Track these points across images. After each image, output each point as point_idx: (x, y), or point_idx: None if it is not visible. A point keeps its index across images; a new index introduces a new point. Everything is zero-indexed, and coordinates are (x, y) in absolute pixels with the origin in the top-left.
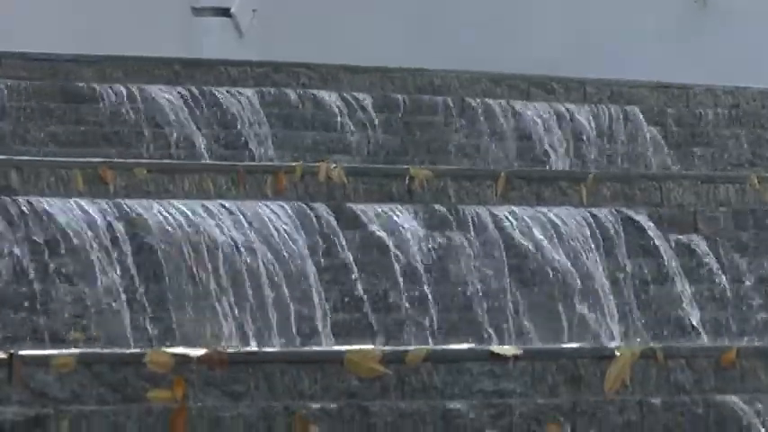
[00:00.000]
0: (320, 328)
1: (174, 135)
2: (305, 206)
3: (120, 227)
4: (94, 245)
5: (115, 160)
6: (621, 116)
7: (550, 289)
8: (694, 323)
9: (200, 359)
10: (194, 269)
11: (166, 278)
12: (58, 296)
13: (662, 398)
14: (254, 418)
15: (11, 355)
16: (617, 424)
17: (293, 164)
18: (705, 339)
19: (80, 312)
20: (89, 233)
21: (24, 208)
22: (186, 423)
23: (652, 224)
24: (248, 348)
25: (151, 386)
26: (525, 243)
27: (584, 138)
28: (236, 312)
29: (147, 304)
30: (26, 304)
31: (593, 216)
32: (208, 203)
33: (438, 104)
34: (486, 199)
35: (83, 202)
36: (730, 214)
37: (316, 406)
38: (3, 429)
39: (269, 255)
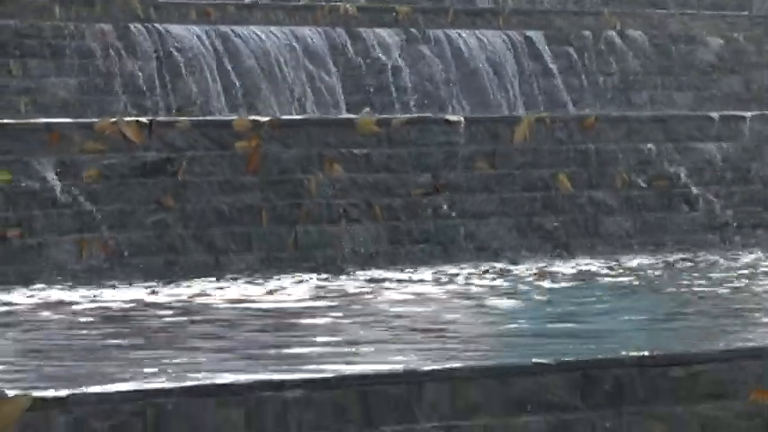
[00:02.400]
0: (342, 103)
1: None
2: (331, 30)
3: (219, 44)
4: (203, 56)
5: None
6: None
7: (481, 81)
8: (569, 103)
9: (266, 123)
10: (266, 71)
11: (250, 75)
12: (178, 87)
13: (548, 146)
14: (299, 159)
15: (151, 120)
16: (521, 162)
17: (323, 3)
18: (574, 111)
19: (194, 99)
20: (201, 48)
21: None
22: (258, 160)
23: (542, 40)
24: (294, 117)
25: (237, 139)
26: (466, 52)
27: None
28: (291, 94)
29: (239, 94)
30: (158, 90)
31: (507, 35)
32: (273, 28)
33: None
34: (443, 25)
35: (196, 28)
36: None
37: (337, 152)
38: (146, 165)
39: (308, 62)
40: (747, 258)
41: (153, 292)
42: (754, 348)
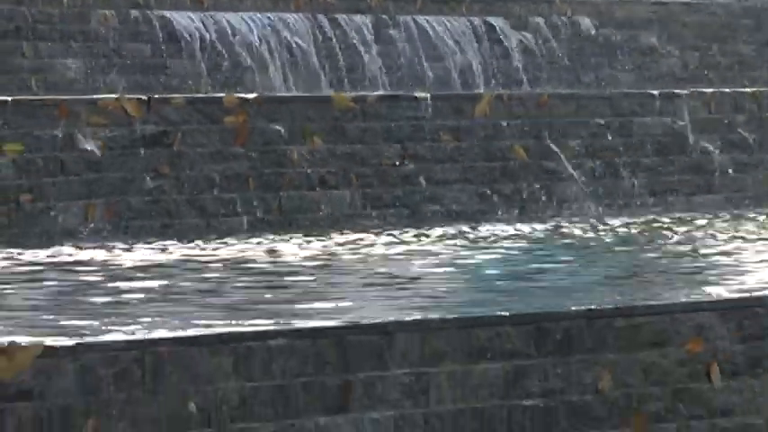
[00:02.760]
0: (322, 82)
1: None
2: (311, 16)
3: (212, 29)
4: (196, 40)
5: None
6: None
7: (447, 62)
8: (525, 82)
9: (253, 100)
10: (254, 51)
11: (239, 57)
12: (174, 68)
13: (507, 120)
14: (283, 132)
15: (149, 97)
16: (482, 135)
17: None
18: (528, 88)
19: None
20: (195, 33)
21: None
22: (246, 133)
23: (502, 26)
24: (277, 94)
25: (226, 114)
26: (432, 35)
27: None
28: (276, 73)
29: (229, 74)
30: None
31: (470, 21)
32: (259, 15)
33: None
34: (412, 11)
35: (191, 14)
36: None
37: (317, 125)
38: (145, 137)
39: (292, 45)
40: (687, 226)
41: (154, 251)
42: (689, 303)
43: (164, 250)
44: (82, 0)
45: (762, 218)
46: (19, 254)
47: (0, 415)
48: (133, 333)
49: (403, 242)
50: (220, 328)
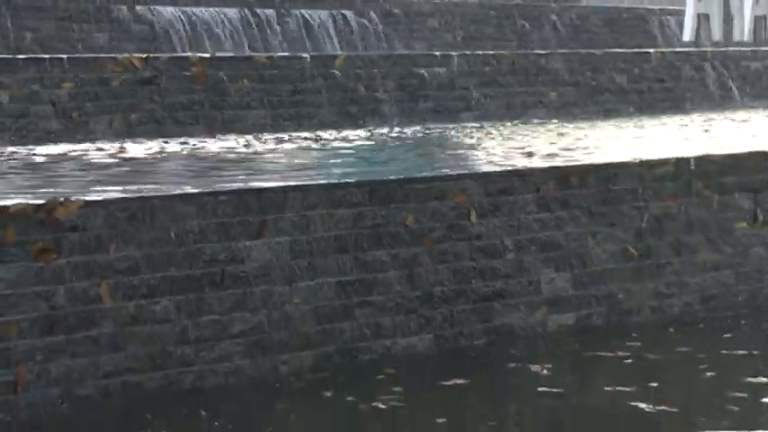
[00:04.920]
0: (246, 50)
1: None
2: (240, 10)
3: (185, 19)
4: (176, 26)
5: None
6: None
7: (320, 38)
8: (360, 48)
9: (208, 58)
10: (210, 31)
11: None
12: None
13: (354, 70)
14: (225, 77)
15: (147, 56)
16: (339, 76)
17: None
18: (365, 52)
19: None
20: (174, 22)
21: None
22: (203, 77)
23: (352, 16)
24: (221, 54)
25: (192, 66)
26: (311, 21)
27: None
28: (223, 40)
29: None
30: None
31: (331, 13)
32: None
33: None
34: (300, 7)
35: (171, 8)
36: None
37: (244, 72)
38: (144, 79)
39: (232, 25)
40: (459, 132)
41: (152, 146)
42: (457, 174)
43: (160, 146)
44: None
45: (502, 129)
46: (72, 149)
47: (59, 240)
48: (138, 193)
49: (298, 142)
50: (188, 190)
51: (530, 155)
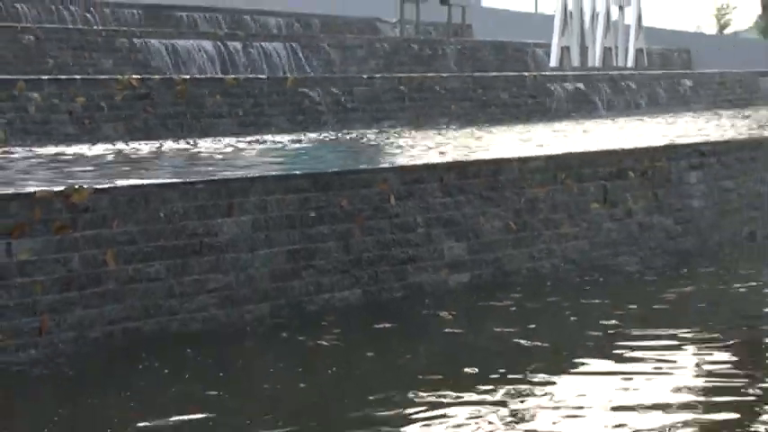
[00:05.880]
0: (218, 72)
1: None
2: (213, 42)
3: (171, 49)
4: (163, 54)
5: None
6: None
7: (275, 62)
8: (308, 71)
9: (189, 78)
10: (192, 58)
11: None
12: (152, 48)
13: (298, 88)
14: (204, 93)
15: (142, 77)
16: (289, 93)
17: (224, 31)
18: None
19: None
20: (162, 51)
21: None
22: (186, 93)
23: (299, 48)
24: (198, 77)
25: (176, 85)
26: (270, 53)
27: None
28: (200, 65)
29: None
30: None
31: (285, 45)
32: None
33: None
34: (260, 40)
35: (162, 40)
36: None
37: (218, 90)
38: (140, 94)
39: (206, 53)
40: (352, 135)
41: (149, 146)
42: (380, 168)
43: (152, 147)
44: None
45: (414, 133)
46: (84, 149)
47: (75, 219)
48: (140, 183)
49: (258, 144)
50: (174, 180)
51: (429, 149)
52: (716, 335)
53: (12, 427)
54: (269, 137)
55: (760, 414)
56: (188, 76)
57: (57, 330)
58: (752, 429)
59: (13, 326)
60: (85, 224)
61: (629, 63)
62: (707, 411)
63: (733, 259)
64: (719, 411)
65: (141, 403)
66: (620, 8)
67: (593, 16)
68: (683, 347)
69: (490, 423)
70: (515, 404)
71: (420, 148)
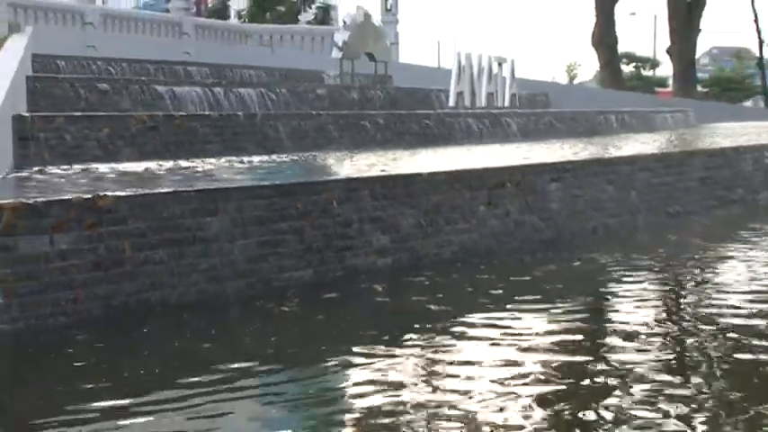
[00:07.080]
0: (206, 111)
1: None
2: (201, 88)
3: (171, 94)
4: (165, 97)
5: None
6: None
7: (249, 103)
8: (258, 110)
9: (184, 115)
10: (187, 100)
11: (185, 107)
12: (155, 107)
13: (268, 112)
14: (197, 126)
15: (151, 114)
16: (262, 130)
17: (216, 80)
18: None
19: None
20: (164, 94)
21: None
22: (183, 126)
23: (267, 93)
24: (195, 113)
25: (176, 119)
26: (245, 96)
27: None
28: (194, 106)
29: (180, 110)
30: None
31: (260, 90)
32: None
33: None
34: (235, 87)
35: (163, 86)
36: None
37: (209, 124)
38: (150, 126)
39: (197, 96)
40: (333, 158)
41: (144, 163)
42: (331, 180)
43: (158, 166)
44: (136, 79)
45: (351, 155)
46: (107, 167)
47: (101, 217)
48: (147, 189)
49: (235, 163)
50: (173, 189)
51: (364, 166)
52: (569, 301)
53: (56, 367)
54: (245, 158)
55: (596, 361)
56: (184, 113)
57: (87, 301)
58: (589, 368)
59: (55, 297)
60: (109, 222)
61: (506, 104)
62: (560, 353)
63: (581, 247)
64: (567, 355)
65: (152, 353)
66: (500, 64)
67: (480, 70)
68: (548, 310)
69: (409, 367)
70: (428, 353)
71: (356, 166)
